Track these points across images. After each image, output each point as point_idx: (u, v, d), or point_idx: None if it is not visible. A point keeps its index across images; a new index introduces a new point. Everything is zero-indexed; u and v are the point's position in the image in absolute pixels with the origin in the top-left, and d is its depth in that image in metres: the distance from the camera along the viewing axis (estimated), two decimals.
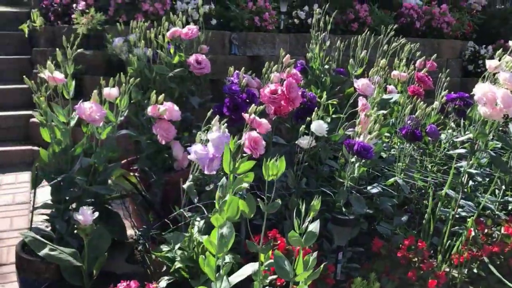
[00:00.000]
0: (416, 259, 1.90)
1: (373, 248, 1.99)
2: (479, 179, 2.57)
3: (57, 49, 1.99)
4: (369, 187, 2.31)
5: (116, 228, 2.17)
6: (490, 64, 2.19)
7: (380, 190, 2.29)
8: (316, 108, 2.52)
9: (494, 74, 2.26)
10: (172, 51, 2.42)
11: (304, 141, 1.95)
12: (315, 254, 1.35)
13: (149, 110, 2.12)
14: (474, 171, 2.28)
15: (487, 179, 2.60)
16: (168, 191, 2.15)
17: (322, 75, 2.96)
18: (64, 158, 1.97)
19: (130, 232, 2.29)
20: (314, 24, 2.96)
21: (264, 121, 1.98)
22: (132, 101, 2.43)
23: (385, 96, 2.50)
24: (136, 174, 2.44)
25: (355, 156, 1.92)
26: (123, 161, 2.62)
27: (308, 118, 2.08)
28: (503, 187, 2.46)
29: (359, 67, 2.97)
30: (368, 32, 3.00)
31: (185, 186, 1.89)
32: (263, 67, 4.19)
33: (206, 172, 1.83)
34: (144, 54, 2.40)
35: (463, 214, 2.40)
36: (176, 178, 2.03)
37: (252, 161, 1.36)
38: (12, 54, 4.59)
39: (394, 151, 2.73)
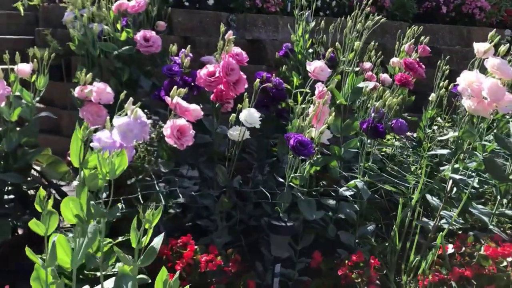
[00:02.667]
0: (360, 279, 1.57)
1: (312, 263, 1.67)
2: (476, 185, 2.19)
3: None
4: (341, 189, 1.99)
5: None
6: (478, 48, 1.80)
7: (353, 192, 1.98)
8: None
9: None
10: (119, 26, 2.18)
11: (235, 132, 1.64)
12: (177, 274, 1.06)
13: (76, 91, 1.88)
14: (457, 177, 1.90)
15: (485, 186, 2.22)
16: None
17: (307, 60, 2.63)
18: None
19: None
20: (297, 1, 2.63)
21: (193, 107, 1.70)
22: (75, 81, 2.22)
23: (360, 84, 2.14)
24: None
25: (292, 152, 1.60)
26: None
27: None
28: (498, 197, 2.06)
29: (349, 52, 2.63)
30: (359, 13, 2.64)
31: None
32: (263, 52, 3.89)
33: None
34: (91, 30, 2.16)
35: (446, 226, 2.04)
36: None
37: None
38: (20, 33, 4.50)
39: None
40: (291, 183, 1.72)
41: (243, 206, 1.81)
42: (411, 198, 2.17)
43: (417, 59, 2.34)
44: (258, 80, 1.68)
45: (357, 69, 2.61)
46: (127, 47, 2.16)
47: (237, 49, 1.81)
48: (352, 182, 1.87)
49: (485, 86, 1.71)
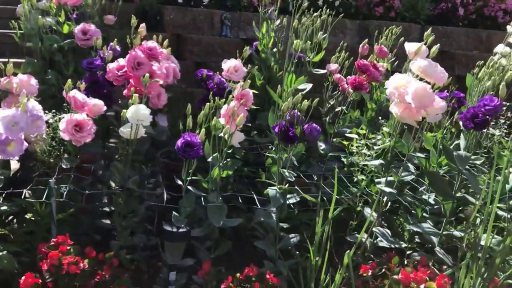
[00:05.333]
0: None
1: (199, 273, 1.56)
2: (431, 201, 1.99)
3: None
4: (288, 195, 1.87)
5: None
6: (410, 48, 1.62)
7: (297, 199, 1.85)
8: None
9: None
10: (61, 19, 2.15)
11: (126, 130, 1.56)
12: None
13: None
14: (388, 190, 1.72)
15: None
16: None
17: (272, 60, 2.51)
18: None
19: None
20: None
21: (93, 101, 1.64)
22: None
23: (300, 86, 2.00)
24: None
25: (179, 154, 1.50)
26: None
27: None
28: (447, 215, 1.85)
29: (318, 53, 2.48)
30: (329, 11, 2.48)
31: None
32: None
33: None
34: (36, 22, 2.15)
35: (382, 244, 1.86)
36: None
37: None
38: None
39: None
40: (189, 187, 1.62)
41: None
42: (356, 211, 2.01)
43: (374, 61, 2.15)
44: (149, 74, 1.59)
45: (323, 71, 2.47)
46: (68, 40, 2.14)
47: (150, 43, 1.73)
48: (267, 189, 1.74)
49: (409, 90, 1.54)
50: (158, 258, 2.00)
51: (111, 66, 1.73)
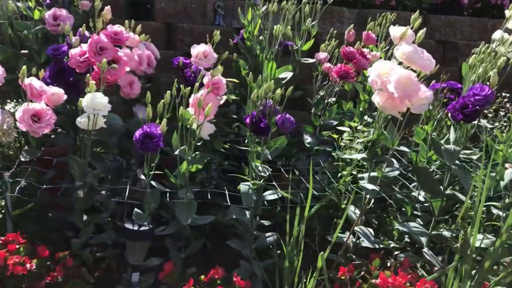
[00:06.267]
0: None
1: (160, 275, 1.44)
2: (421, 199, 1.86)
3: None
4: (268, 192, 1.75)
5: None
6: (394, 33, 1.48)
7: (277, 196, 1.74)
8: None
9: None
10: (32, 4, 2.04)
11: (82, 120, 1.44)
12: None
13: None
14: (370, 187, 1.60)
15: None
16: None
17: (258, 48, 2.37)
18: None
19: None
20: None
21: (53, 90, 1.52)
22: None
23: (282, 75, 1.87)
24: None
25: (137, 147, 1.38)
26: None
27: None
28: (436, 214, 1.72)
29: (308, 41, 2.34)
30: None
31: None
32: None
33: None
34: (7, 8, 2.05)
35: (364, 244, 1.73)
36: None
37: None
38: None
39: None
40: (152, 182, 1.50)
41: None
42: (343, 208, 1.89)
43: (362, 49, 2.01)
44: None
45: (313, 60, 2.34)
46: (40, 26, 2.03)
47: (116, 27, 1.61)
48: (240, 185, 1.62)
49: (392, 78, 1.41)
50: None
51: (73, 51, 1.61)
